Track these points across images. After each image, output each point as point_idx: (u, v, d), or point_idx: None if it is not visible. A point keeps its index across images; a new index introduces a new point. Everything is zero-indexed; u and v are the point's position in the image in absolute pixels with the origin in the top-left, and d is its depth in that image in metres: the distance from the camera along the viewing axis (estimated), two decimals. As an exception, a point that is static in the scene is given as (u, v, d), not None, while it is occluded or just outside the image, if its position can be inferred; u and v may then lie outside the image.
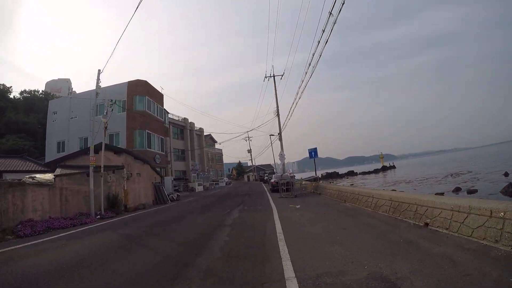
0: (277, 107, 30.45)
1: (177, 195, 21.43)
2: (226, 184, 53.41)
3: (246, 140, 69.83)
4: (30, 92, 55.30)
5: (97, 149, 14.14)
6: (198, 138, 49.26)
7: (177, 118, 42.09)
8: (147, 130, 27.78)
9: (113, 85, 30.14)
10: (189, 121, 45.99)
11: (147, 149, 27.36)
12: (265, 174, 49.71)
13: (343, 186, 14.12)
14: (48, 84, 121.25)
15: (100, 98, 31.95)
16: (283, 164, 30.32)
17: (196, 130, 48.75)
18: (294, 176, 24.02)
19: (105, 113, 14.29)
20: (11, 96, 51.52)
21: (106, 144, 14.50)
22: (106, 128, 13.56)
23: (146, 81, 29.98)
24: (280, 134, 30.28)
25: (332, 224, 7.18)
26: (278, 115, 30.54)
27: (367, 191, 10.20)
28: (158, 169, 28.26)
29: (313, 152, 19.37)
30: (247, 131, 32.76)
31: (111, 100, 14.54)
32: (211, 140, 61.55)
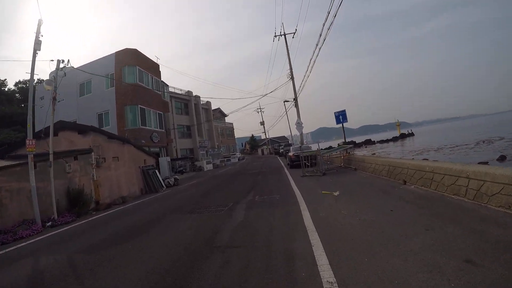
0: (291, 69, 25.86)
1: (175, 179, 17.89)
2: (238, 159, 50.00)
3: (258, 111, 65.60)
4: (25, 82, 52.25)
5: (59, 128, 10.46)
6: (205, 113, 45.33)
7: (179, 92, 37.99)
8: (139, 105, 23.96)
9: (100, 59, 26.19)
10: (194, 94, 41.86)
11: (141, 127, 23.70)
12: (280, 147, 45.77)
13: (393, 158, 9.84)
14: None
15: (82, 77, 28.47)
16: (301, 134, 26.16)
17: (202, 104, 44.69)
18: (310, 147, 19.90)
19: (51, 78, 10.25)
20: (6, 89, 48.83)
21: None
22: (54, 99, 9.65)
23: (136, 49, 25.75)
24: (296, 99, 25.89)
25: (433, 244, 3.20)
26: (292, 78, 26.03)
27: (448, 166, 5.93)
28: (154, 149, 24.78)
29: (341, 116, 15.10)
30: (259, 97, 28.54)
31: (62, 61, 10.42)
32: (220, 114, 57.56)
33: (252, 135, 77.47)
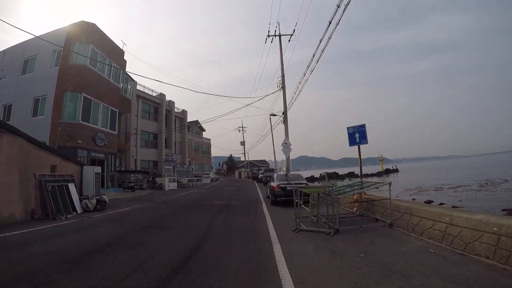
0: (282, 76, 21.22)
1: (98, 200, 11.98)
2: (211, 180, 44.01)
3: (239, 130, 60.73)
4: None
5: None
6: (179, 122, 39.72)
7: (150, 92, 32.41)
8: (84, 94, 18.25)
9: (54, 31, 20.54)
10: (168, 99, 36.38)
11: (82, 122, 17.88)
12: (260, 171, 40.40)
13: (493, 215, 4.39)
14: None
15: (29, 51, 22.51)
16: (288, 158, 21.06)
17: (177, 112, 39.16)
18: (301, 176, 14.66)
19: None
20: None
21: None
22: None
23: (94, 24, 20.43)
24: (285, 114, 21.03)
25: None
26: (283, 87, 21.28)
27: None
28: (97, 155, 18.85)
29: (357, 134, 10.02)
30: (243, 106, 22.96)
31: None
32: (198, 127, 51.99)
33: (231, 155, 71.77)
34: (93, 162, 18.43)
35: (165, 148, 33.84)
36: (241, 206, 12.29)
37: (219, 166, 79.33)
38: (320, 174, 66.71)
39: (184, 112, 40.62)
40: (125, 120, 26.62)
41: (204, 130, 54.16)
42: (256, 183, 33.43)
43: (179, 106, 38.88)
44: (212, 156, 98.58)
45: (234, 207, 12.13)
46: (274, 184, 12.63)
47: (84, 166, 13.72)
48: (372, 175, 58.63)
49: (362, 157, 10.64)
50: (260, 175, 35.91)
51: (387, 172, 66.01)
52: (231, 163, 71.76)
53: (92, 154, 18.34)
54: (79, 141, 17.24)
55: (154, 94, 32.90)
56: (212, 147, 55.65)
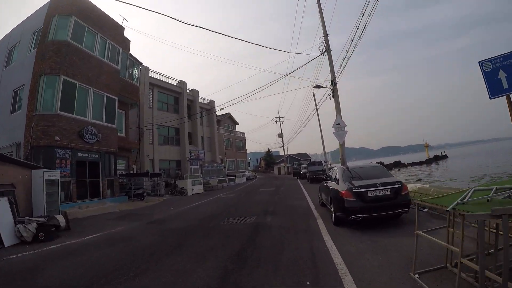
0: (325, 35, 14.93)
1: (40, 225, 7.07)
2: (247, 179, 38.83)
3: (276, 121, 54.90)
4: None
5: None
6: (207, 116, 35.02)
7: (167, 81, 27.88)
8: (64, 76, 13.78)
9: (34, 12, 16.71)
10: (192, 89, 31.74)
11: (60, 112, 13.41)
12: (302, 165, 34.16)
13: None
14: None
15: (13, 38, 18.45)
16: (343, 145, 14.87)
17: (203, 103, 34.43)
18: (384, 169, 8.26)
19: None
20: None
21: None
22: None
23: (78, -9, 15.87)
24: (334, 83, 14.71)
25: None
26: (327, 49, 14.99)
27: None
28: (88, 155, 14.33)
29: (503, 70, 3.74)
30: (281, 77, 17.16)
31: None
32: (229, 120, 47.13)
33: (269, 149, 66.06)
34: (80, 165, 13.94)
35: (190, 144, 29.22)
36: (281, 230, 6.53)
37: (257, 162, 74.14)
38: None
39: (211, 103, 35.82)
40: (137, 113, 22.23)
41: (237, 124, 49.20)
42: (298, 180, 27.45)
43: (205, 96, 34.14)
44: (248, 152, 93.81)
45: (268, 233, 6.42)
46: (340, 187, 6.62)
47: (33, 170, 8.94)
48: (421, 163, 53.84)
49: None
50: (303, 170, 29.78)
51: (436, 159, 59.70)
52: (269, 159, 66.00)
53: (79, 154, 13.86)
54: (57, 138, 12.75)
55: (173, 83, 28.36)
56: (247, 142, 50.57)
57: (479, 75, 5.01)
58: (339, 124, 13.29)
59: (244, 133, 48.58)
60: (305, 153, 74.00)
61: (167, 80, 27.64)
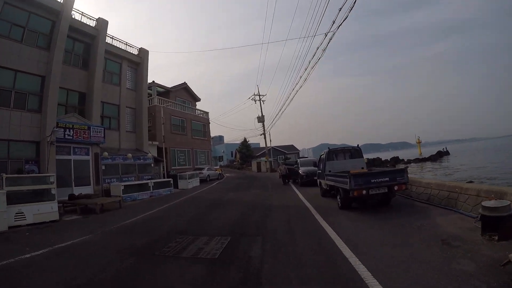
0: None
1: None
2: (207, 180, 24.24)
3: (255, 101, 40.63)
4: None
5: None
6: (132, 73, 19.96)
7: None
8: None
9: None
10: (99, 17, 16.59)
11: None
12: (298, 160, 19.23)
13: None
14: None
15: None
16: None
17: (126, 50, 19.41)
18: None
19: None
20: None
21: None
22: None
23: None
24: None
25: None
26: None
27: None
28: None
29: None
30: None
31: None
32: (186, 94, 31.99)
33: (245, 138, 50.77)
34: None
35: (68, 113, 14.13)
36: None
37: (232, 156, 59.41)
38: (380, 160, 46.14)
39: (142, 53, 20.65)
40: None
41: (199, 100, 34.13)
42: (293, 186, 13.43)
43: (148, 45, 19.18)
44: (226, 143, 77.93)
45: None
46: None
47: None
48: (425, 159, 51.12)
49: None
50: (301, 171, 15.44)
51: (440, 155, 56.73)
52: (245, 150, 50.78)
53: None
54: None
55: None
56: (221, 131, 35.66)
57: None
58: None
59: (207, 113, 33.46)
60: (293, 145, 59.85)
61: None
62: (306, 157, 29.08)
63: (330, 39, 10.97)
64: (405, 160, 48.67)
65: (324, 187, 10.08)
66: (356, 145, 10.39)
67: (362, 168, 9.87)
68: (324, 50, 12.50)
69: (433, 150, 71.91)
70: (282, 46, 26.05)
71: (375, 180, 7.07)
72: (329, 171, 9.53)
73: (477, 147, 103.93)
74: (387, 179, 7.17)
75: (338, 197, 8.17)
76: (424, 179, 9.38)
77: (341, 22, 9.71)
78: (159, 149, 22.04)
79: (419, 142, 77.74)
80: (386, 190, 7.24)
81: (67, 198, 12.29)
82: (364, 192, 6.95)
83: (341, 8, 9.31)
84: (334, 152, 10.11)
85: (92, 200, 11.34)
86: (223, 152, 66.80)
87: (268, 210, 8.91)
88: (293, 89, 20.61)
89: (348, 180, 6.94)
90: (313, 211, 7.99)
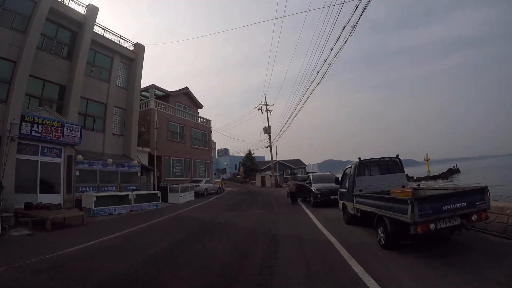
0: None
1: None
2: (204, 194, 21.67)
3: (261, 110, 38.32)
4: None
5: None
6: (127, 70, 17.90)
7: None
8: None
9: None
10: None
11: None
12: (312, 176, 15.98)
13: None
14: None
15: None
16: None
17: (116, 43, 17.39)
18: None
19: None
20: None
21: None
22: None
23: None
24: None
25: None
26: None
27: None
28: None
29: None
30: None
31: None
32: (187, 99, 29.87)
33: (249, 151, 48.19)
34: None
35: (40, 106, 11.88)
36: None
37: (235, 169, 56.74)
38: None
39: (138, 49, 18.64)
40: None
41: (201, 107, 31.99)
42: (305, 208, 10.83)
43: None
44: (231, 155, 74.74)
45: None
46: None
47: None
48: (435, 177, 48.19)
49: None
50: (315, 188, 12.75)
51: (451, 172, 54.32)
52: (249, 163, 48.09)
53: None
54: None
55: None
56: (226, 143, 33.21)
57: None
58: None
59: (210, 121, 31.19)
60: (300, 159, 57.04)
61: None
62: (316, 172, 26.38)
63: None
64: (415, 178, 45.31)
65: (351, 212, 7.40)
66: (395, 156, 7.70)
67: (403, 186, 7.27)
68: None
69: (440, 168, 68.51)
70: (290, 59, 23.93)
71: (448, 208, 4.47)
72: (360, 190, 6.93)
73: (486, 164, 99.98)
74: (463, 204, 4.58)
75: (379, 231, 5.50)
76: (493, 201, 6.71)
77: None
78: (151, 157, 19.62)
79: (428, 160, 74.23)
80: (459, 222, 4.65)
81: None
82: (432, 226, 4.34)
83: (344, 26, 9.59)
84: (367, 164, 7.48)
85: (47, 213, 8.85)
86: (227, 164, 64.10)
87: (274, 245, 6.18)
88: (300, 100, 19.03)
89: (408, 207, 4.31)
90: (343, 252, 5.22)
